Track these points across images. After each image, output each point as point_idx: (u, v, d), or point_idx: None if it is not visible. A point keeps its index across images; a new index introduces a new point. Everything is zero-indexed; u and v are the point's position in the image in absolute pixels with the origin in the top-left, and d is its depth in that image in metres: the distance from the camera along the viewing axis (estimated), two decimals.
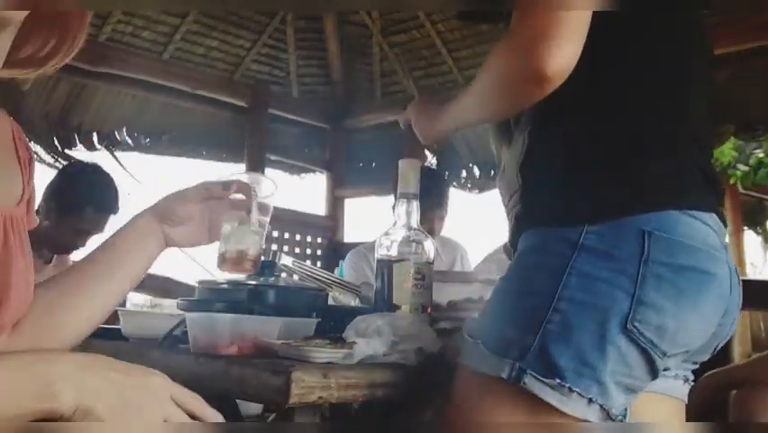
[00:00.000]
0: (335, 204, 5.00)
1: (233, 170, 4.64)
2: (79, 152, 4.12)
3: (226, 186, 1.09)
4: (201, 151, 4.69)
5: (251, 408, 2.46)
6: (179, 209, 1.07)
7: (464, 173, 4.74)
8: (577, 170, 1.07)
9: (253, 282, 1.40)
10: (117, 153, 4.28)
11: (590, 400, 0.98)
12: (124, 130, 4.34)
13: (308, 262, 3.17)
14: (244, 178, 1.11)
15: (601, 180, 1.05)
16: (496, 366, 1.02)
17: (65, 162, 3.93)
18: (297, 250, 4.77)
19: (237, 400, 1.51)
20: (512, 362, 1.00)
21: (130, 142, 4.37)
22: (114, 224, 2.59)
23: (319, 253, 4.89)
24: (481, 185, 4.65)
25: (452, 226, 3.26)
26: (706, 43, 1.17)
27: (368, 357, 1.13)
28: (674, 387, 1.19)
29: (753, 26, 3.08)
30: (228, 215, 1.09)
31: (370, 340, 1.14)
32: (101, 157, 4.11)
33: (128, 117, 4.34)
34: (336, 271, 2.22)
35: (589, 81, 1.04)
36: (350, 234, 4.95)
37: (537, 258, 1.07)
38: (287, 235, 4.74)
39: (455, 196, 4.69)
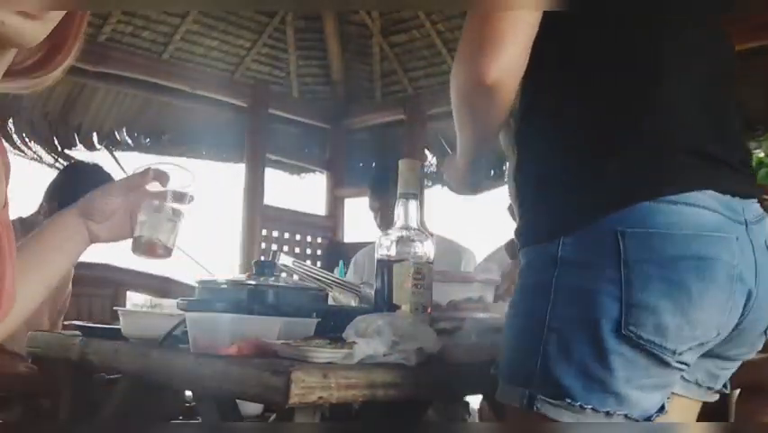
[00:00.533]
0: (335, 204, 5.00)
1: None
2: (79, 152, 4.13)
3: (142, 175, 1.13)
4: (201, 151, 4.69)
5: (251, 408, 2.46)
6: (102, 206, 1.11)
7: None
8: (547, 183, 1.05)
9: (253, 282, 1.40)
10: (117, 153, 4.28)
11: (608, 413, 0.96)
12: (124, 130, 4.34)
13: (308, 262, 3.17)
14: (162, 168, 1.14)
15: (568, 189, 1.02)
16: (510, 395, 1.01)
17: (65, 162, 3.93)
18: (297, 250, 4.78)
19: (237, 400, 1.51)
20: (522, 389, 0.99)
21: (130, 142, 4.36)
22: None
23: (319, 253, 4.89)
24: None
25: (452, 227, 3.25)
26: (705, 36, 1.11)
27: (368, 357, 1.13)
28: (703, 394, 1.15)
29: (753, 26, 3.08)
30: (145, 203, 1.12)
31: (370, 340, 1.14)
32: (101, 157, 4.11)
33: (128, 117, 4.34)
34: (336, 271, 2.22)
35: (551, 91, 1.04)
36: (350, 234, 4.96)
37: (527, 278, 1.05)
38: (287, 235, 4.74)
39: (455, 196, 4.69)
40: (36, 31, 0.73)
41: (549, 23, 1.01)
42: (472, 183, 1.31)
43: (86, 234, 1.10)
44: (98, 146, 4.23)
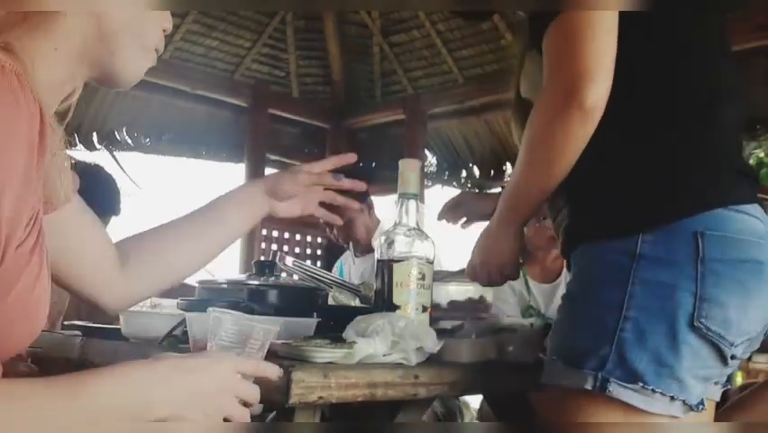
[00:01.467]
0: None
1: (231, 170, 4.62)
2: (79, 152, 4.12)
3: (324, 164, 1.27)
4: (201, 151, 4.69)
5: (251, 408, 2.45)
6: (290, 189, 1.24)
7: (464, 173, 4.75)
8: (624, 184, 1.13)
9: (253, 282, 1.40)
10: (117, 153, 4.28)
11: (672, 398, 1.05)
12: (124, 130, 4.35)
13: (308, 262, 3.16)
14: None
15: (649, 190, 1.11)
16: (578, 379, 1.08)
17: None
18: (297, 250, 4.78)
19: None
20: (593, 372, 1.06)
21: (130, 142, 4.37)
22: (115, 225, 2.59)
23: (319, 253, 4.90)
24: (481, 185, 4.65)
25: (452, 227, 3.24)
26: (728, 43, 1.23)
27: (368, 357, 1.13)
28: (716, 392, 1.23)
29: (753, 26, 3.08)
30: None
31: (370, 340, 1.14)
32: (101, 157, 4.11)
33: (128, 117, 4.34)
34: (336, 271, 2.22)
35: (627, 96, 1.09)
36: None
37: (598, 271, 1.13)
38: (287, 235, 4.74)
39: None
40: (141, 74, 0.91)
41: (625, 32, 1.08)
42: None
43: (267, 208, 1.23)
44: (98, 146, 4.23)
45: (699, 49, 1.16)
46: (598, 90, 1.05)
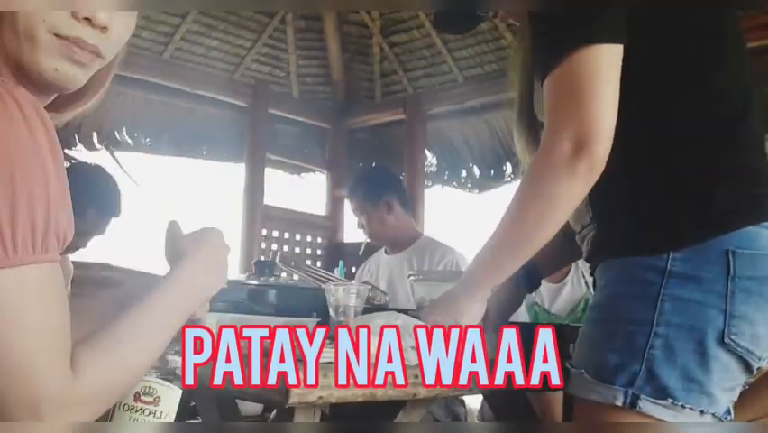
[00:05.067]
0: (335, 204, 5.00)
1: (233, 171, 4.61)
2: (79, 152, 4.12)
3: None
4: (201, 151, 4.68)
5: (251, 408, 2.46)
6: None
7: (464, 173, 4.74)
8: (654, 200, 1.13)
9: (253, 282, 1.40)
10: (117, 153, 4.27)
11: (702, 412, 1.07)
12: (124, 130, 4.34)
13: (308, 262, 3.15)
14: None
15: (680, 208, 1.11)
16: (608, 394, 1.09)
17: (66, 163, 3.92)
18: (297, 250, 4.77)
19: (237, 400, 1.51)
20: (624, 389, 1.08)
21: (130, 142, 4.36)
22: (115, 226, 2.59)
23: (319, 252, 4.89)
24: (481, 185, 4.65)
25: (452, 227, 3.24)
26: (746, 48, 1.25)
27: None
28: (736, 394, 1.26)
29: (753, 26, 3.08)
30: None
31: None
32: (101, 157, 4.10)
33: (128, 117, 4.34)
34: (336, 271, 2.22)
35: (657, 111, 1.10)
36: (350, 234, 4.96)
37: (627, 287, 1.13)
38: (287, 235, 4.74)
39: (455, 196, 4.69)
40: (80, 77, 0.81)
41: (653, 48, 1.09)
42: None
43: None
44: (98, 146, 4.22)
45: (728, 60, 1.16)
46: (606, 147, 1.05)
